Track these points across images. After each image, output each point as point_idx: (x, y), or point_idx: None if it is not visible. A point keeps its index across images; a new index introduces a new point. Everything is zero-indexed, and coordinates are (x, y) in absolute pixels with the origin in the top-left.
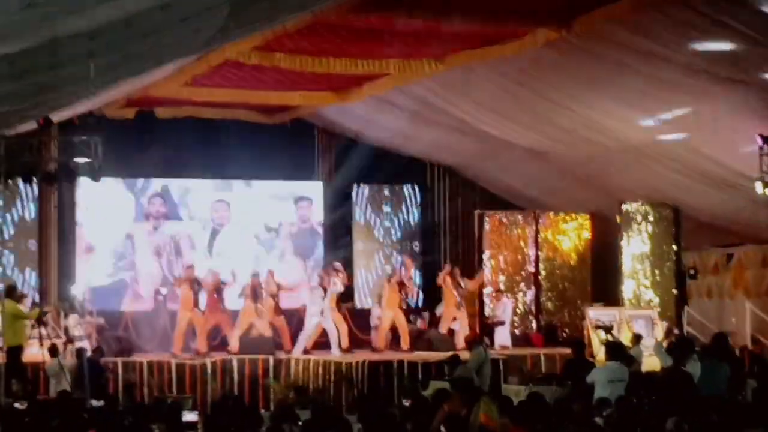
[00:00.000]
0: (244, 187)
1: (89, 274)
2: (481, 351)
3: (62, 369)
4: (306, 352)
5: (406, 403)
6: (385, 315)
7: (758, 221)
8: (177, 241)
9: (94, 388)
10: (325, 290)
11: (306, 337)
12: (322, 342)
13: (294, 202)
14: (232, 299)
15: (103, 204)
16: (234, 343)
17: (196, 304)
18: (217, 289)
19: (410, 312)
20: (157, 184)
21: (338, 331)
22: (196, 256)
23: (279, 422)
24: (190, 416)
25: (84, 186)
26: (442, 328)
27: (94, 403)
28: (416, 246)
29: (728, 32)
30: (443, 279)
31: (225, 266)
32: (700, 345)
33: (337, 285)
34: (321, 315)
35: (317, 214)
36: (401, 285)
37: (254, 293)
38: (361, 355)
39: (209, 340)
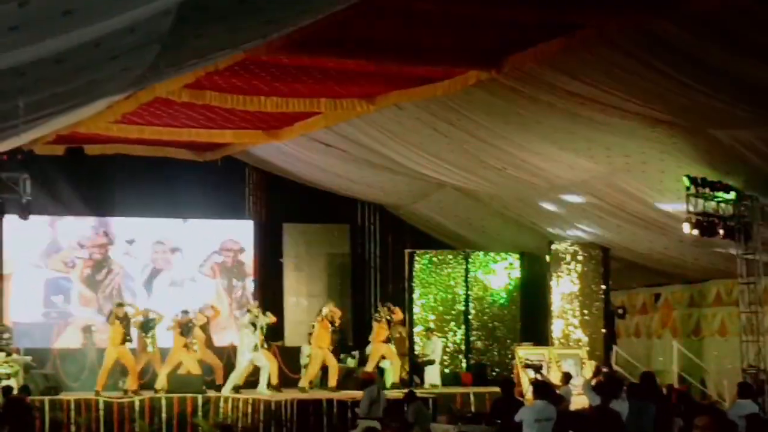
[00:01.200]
0: (174, 225)
1: (17, 312)
2: (373, 390)
3: None
4: (236, 390)
5: None
6: (316, 354)
7: (685, 261)
8: (106, 278)
9: (20, 426)
10: (254, 327)
11: (237, 375)
12: (253, 380)
13: (224, 240)
14: (162, 335)
15: (32, 241)
16: (162, 381)
17: (124, 341)
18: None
19: (340, 351)
20: (86, 221)
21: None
22: (125, 293)
23: None
24: None
25: (12, 223)
26: (371, 367)
27: None
28: (346, 284)
29: (655, 73)
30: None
31: (154, 304)
32: (628, 384)
33: (263, 321)
34: (254, 352)
35: (247, 252)
36: (331, 324)
37: (184, 330)
38: (290, 394)
39: (139, 378)
